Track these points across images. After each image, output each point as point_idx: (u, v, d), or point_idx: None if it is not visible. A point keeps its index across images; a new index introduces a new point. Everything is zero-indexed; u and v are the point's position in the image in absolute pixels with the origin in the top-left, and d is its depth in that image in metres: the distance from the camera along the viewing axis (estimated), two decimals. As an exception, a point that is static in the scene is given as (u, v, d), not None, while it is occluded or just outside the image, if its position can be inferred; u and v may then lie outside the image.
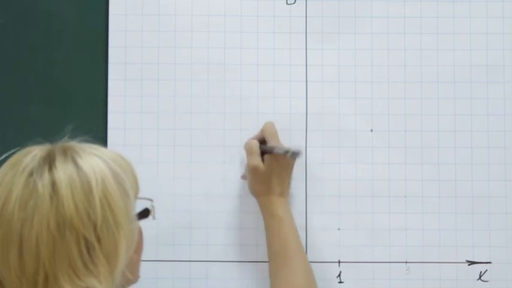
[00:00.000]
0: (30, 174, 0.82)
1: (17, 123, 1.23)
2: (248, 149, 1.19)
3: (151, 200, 0.94)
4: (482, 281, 1.22)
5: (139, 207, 0.92)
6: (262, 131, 1.21)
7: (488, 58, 1.24)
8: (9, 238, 0.80)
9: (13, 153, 0.90)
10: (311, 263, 1.17)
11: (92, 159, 0.85)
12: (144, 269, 1.20)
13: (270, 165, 1.16)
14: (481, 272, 1.22)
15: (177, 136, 1.24)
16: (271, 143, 1.18)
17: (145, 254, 1.20)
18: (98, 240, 0.81)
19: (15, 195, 0.81)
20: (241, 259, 1.23)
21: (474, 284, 1.22)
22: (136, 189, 0.91)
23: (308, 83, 1.25)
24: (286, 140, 1.22)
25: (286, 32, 1.25)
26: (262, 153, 1.18)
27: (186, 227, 1.23)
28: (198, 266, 1.22)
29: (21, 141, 1.23)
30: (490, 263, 1.23)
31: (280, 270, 1.12)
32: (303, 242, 1.21)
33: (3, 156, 1.22)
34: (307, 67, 1.25)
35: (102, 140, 1.22)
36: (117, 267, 0.83)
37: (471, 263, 1.23)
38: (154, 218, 0.94)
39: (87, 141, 0.90)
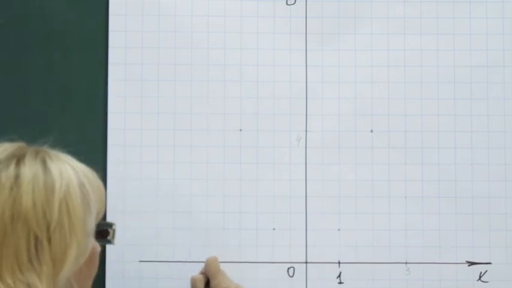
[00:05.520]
0: None
1: (17, 123, 1.23)
2: (192, 285, 1.17)
3: (113, 224, 0.95)
4: (482, 281, 1.22)
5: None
6: (205, 268, 1.19)
7: (488, 58, 1.24)
8: None
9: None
10: (311, 263, 1.17)
11: (62, 165, 0.86)
12: (144, 269, 1.21)
13: None
14: (481, 273, 1.22)
15: (177, 136, 1.24)
16: (214, 282, 1.16)
17: (146, 254, 1.21)
18: (49, 240, 0.82)
19: None
20: (241, 259, 1.23)
21: (474, 284, 1.22)
22: (100, 209, 0.91)
23: (308, 83, 1.25)
24: (286, 141, 1.23)
25: (286, 33, 1.25)
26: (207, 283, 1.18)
27: (186, 227, 1.22)
28: (198, 266, 1.22)
29: (21, 141, 1.23)
30: (490, 263, 1.22)
31: None
32: (303, 242, 1.21)
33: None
34: (307, 68, 1.25)
35: (102, 140, 1.22)
36: (62, 272, 0.82)
37: (471, 263, 1.23)
38: (112, 242, 0.95)
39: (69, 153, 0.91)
